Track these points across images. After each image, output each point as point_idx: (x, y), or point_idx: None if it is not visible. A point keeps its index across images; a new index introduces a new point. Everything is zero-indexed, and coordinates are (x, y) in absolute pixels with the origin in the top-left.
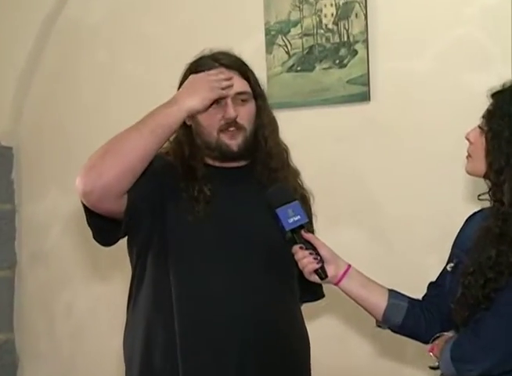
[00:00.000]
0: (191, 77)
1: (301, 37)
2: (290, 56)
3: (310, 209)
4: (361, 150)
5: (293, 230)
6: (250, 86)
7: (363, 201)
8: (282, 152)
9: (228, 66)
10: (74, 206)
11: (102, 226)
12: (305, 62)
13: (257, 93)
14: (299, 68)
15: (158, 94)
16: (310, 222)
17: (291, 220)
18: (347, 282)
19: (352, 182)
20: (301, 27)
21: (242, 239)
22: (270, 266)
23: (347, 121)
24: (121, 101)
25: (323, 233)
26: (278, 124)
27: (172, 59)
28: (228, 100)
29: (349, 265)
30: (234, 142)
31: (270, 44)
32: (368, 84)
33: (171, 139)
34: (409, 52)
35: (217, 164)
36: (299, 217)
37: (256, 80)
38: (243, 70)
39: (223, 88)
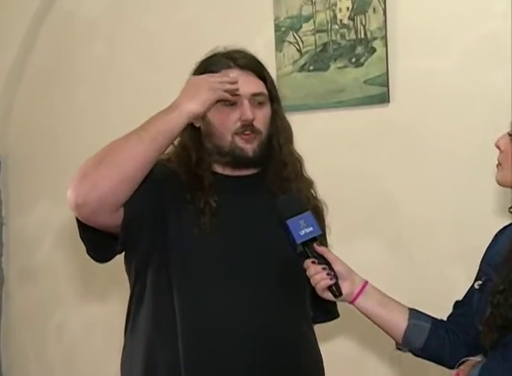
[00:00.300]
0: (192, 78)
1: (313, 34)
2: (301, 55)
3: (323, 222)
4: (379, 157)
5: (304, 243)
6: (267, 88)
7: (381, 212)
8: (295, 161)
9: (243, 66)
10: (67, 218)
11: (97, 241)
12: (318, 60)
13: (273, 96)
14: (312, 67)
15: (160, 94)
16: (324, 236)
17: (303, 232)
18: (363, 300)
19: (370, 190)
20: (314, 22)
21: (250, 253)
22: (280, 282)
23: (365, 124)
24: (120, 102)
25: (338, 246)
26: (292, 130)
27: (175, 57)
28: (246, 101)
29: (366, 282)
30: (250, 146)
31: (280, 41)
32: (387, 85)
33: (176, 142)
34: (432, 50)
35: (226, 171)
36: (311, 229)
37: (272, 82)
38: (259, 70)
39: (227, 91)
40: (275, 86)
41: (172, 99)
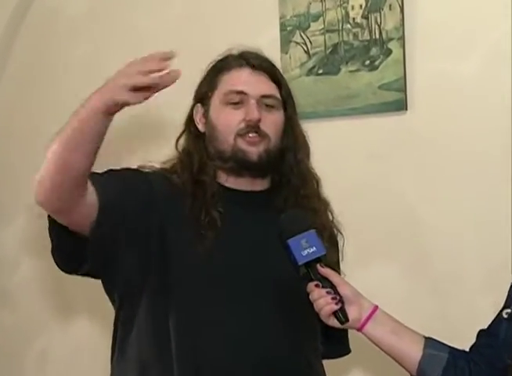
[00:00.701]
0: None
1: (323, 34)
2: (310, 57)
3: (337, 252)
4: (396, 170)
5: (307, 264)
6: (280, 93)
7: (400, 231)
8: (313, 180)
9: (255, 66)
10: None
11: (70, 244)
12: (328, 63)
13: (288, 103)
14: (321, 71)
15: (150, 98)
16: (337, 264)
17: (305, 252)
18: (372, 327)
19: (386, 208)
20: (324, 21)
21: (253, 277)
22: (285, 309)
23: (380, 134)
24: None
25: (350, 269)
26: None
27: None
28: (253, 101)
29: (376, 307)
30: (254, 149)
31: (286, 41)
32: (404, 90)
33: (180, 148)
34: (455, 51)
35: (231, 183)
36: (314, 248)
37: (288, 88)
38: (272, 72)
39: (149, 74)
40: (291, 93)
41: (165, 104)
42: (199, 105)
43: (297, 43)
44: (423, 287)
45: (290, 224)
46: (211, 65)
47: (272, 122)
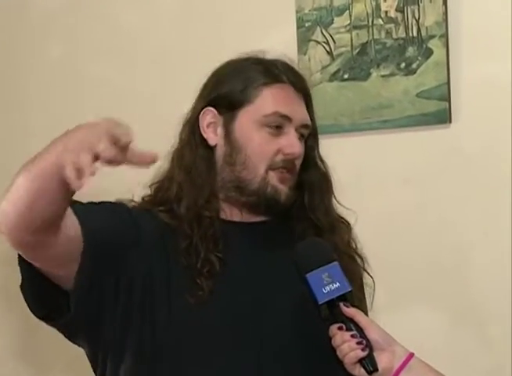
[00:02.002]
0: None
1: (349, 31)
2: (333, 58)
3: (363, 293)
4: (440, 196)
5: (329, 303)
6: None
7: (445, 270)
8: (342, 226)
9: (297, 87)
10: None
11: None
12: (356, 66)
13: (312, 131)
14: (346, 76)
15: (135, 105)
16: (364, 309)
17: (327, 289)
18: None
19: (428, 242)
20: (350, 15)
21: (258, 330)
22: (304, 367)
23: (419, 152)
24: (84, 114)
25: (383, 315)
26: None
27: (158, 60)
28: (293, 129)
29: (411, 354)
30: (284, 188)
31: (304, 40)
32: (448, 99)
33: (178, 166)
34: (509, 54)
35: (231, 216)
36: (338, 284)
37: (313, 112)
38: (309, 97)
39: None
40: (314, 119)
41: (156, 113)
42: (213, 109)
43: (318, 42)
44: (474, 339)
45: (308, 255)
46: (234, 69)
47: (301, 157)
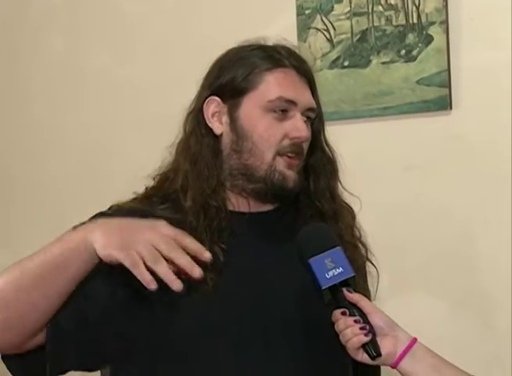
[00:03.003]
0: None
1: (349, 18)
2: (333, 46)
3: (365, 281)
4: (441, 183)
5: (332, 288)
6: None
7: (447, 257)
8: (346, 214)
9: (300, 70)
10: None
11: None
12: (356, 54)
13: (319, 114)
14: (347, 63)
15: (137, 97)
16: (367, 296)
17: (330, 274)
18: (410, 363)
19: (430, 229)
20: (350, 2)
21: (266, 322)
22: (310, 356)
23: (420, 139)
24: (87, 106)
25: (387, 301)
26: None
27: (161, 49)
28: (298, 113)
29: (414, 339)
30: (292, 174)
31: (304, 28)
32: (448, 86)
33: (183, 157)
34: (509, 40)
35: (237, 207)
36: (341, 269)
37: (318, 96)
38: (313, 79)
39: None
40: (319, 103)
41: (157, 104)
42: (217, 98)
43: (318, 29)
44: (475, 325)
45: (310, 240)
46: (236, 56)
47: (308, 141)
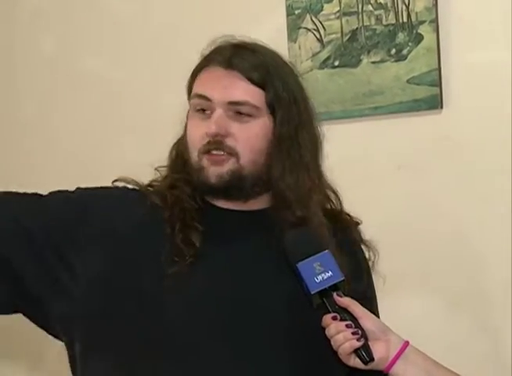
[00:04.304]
0: None
1: (338, 18)
2: (323, 46)
3: (372, 287)
4: (433, 182)
5: (322, 293)
6: (266, 98)
7: (441, 256)
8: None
9: (231, 65)
10: None
11: None
12: (346, 53)
13: (279, 106)
14: (337, 62)
15: (128, 99)
16: (371, 301)
17: (319, 278)
18: (402, 367)
19: (420, 225)
20: (339, 2)
21: (245, 320)
22: (295, 358)
23: (411, 138)
24: (78, 109)
25: (379, 299)
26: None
27: (152, 51)
28: (219, 109)
29: (406, 343)
30: (215, 169)
31: (294, 28)
32: (439, 85)
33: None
34: (499, 37)
35: (220, 203)
36: (330, 273)
37: (281, 87)
38: (252, 69)
39: None
40: (290, 97)
41: (149, 106)
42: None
43: (308, 29)
44: (469, 324)
45: (298, 244)
46: (203, 54)
47: (244, 134)
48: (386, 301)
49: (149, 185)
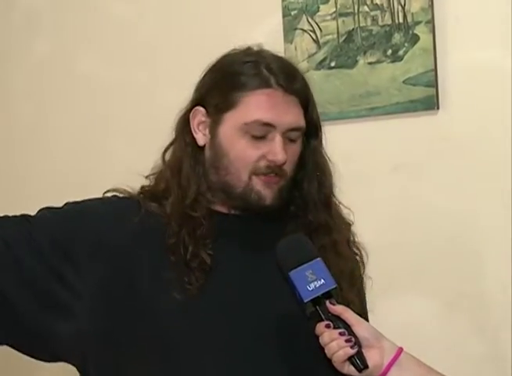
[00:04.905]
0: None
1: (335, 19)
2: (319, 47)
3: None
4: (430, 183)
5: (315, 301)
6: (306, 119)
7: (437, 257)
8: (339, 226)
9: (287, 88)
10: None
11: None
12: (342, 54)
13: (312, 128)
14: (333, 63)
15: (124, 101)
16: (362, 307)
17: (311, 286)
18: (397, 373)
19: (417, 226)
20: (335, 3)
21: (257, 328)
22: (293, 366)
23: (407, 139)
24: (73, 111)
25: (376, 300)
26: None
27: (149, 52)
28: (278, 136)
29: (400, 349)
30: (269, 192)
31: (290, 29)
32: (435, 86)
33: (169, 164)
34: (496, 38)
35: (229, 210)
36: (322, 281)
37: (315, 109)
38: (305, 93)
39: None
40: (318, 115)
41: (145, 108)
42: (202, 109)
43: (304, 31)
44: (467, 325)
45: (290, 252)
46: (227, 68)
47: (292, 156)
48: (382, 301)
49: (142, 191)
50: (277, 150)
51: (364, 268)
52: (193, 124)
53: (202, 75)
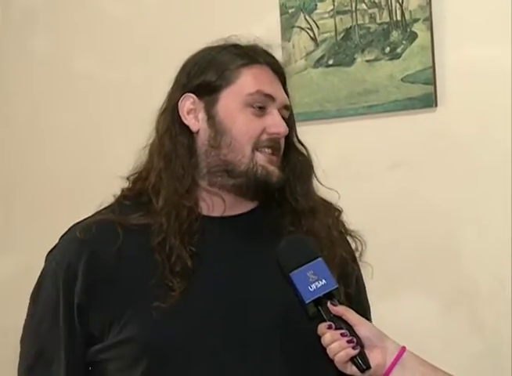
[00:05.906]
0: None
1: (332, 17)
2: (317, 44)
3: (364, 292)
4: (428, 180)
5: (317, 301)
6: None
7: (435, 255)
8: (324, 210)
9: (275, 69)
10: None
11: None
12: (340, 52)
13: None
14: (331, 61)
15: (120, 99)
16: (365, 307)
17: (313, 287)
18: (400, 373)
19: (416, 224)
20: (333, 1)
21: (240, 330)
22: (292, 366)
23: (406, 136)
24: (70, 109)
25: (374, 298)
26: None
27: (145, 51)
28: (275, 110)
29: (403, 348)
30: (274, 169)
31: (288, 27)
32: (433, 83)
33: (157, 155)
34: (493, 35)
35: (215, 211)
36: (324, 282)
37: (288, 96)
38: (285, 79)
39: None
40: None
41: (141, 106)
42: (192, 95)
43: (302, 28)
44: (465, 323)
45: (291, 253)
46: (219, 50)
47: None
48: (380, 299)
49: (123, 194)
50: (279, 122)
51: (361, 255)
52: (183, 112)
53: (181, 67)
